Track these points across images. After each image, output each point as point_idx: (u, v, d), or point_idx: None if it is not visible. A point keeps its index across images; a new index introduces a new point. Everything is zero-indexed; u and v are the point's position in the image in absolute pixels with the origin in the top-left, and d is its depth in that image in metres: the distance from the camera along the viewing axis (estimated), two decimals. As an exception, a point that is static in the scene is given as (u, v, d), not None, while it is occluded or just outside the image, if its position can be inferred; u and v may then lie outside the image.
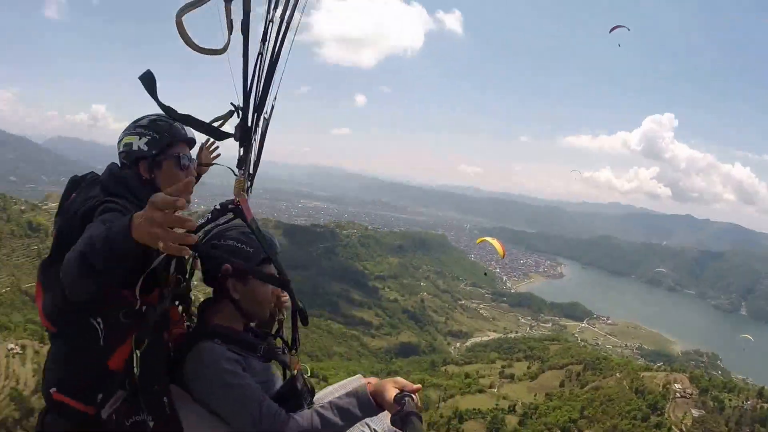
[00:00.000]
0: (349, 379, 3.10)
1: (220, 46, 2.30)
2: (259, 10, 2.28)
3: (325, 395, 2.90)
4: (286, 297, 3.25)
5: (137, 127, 3.02)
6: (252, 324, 3.10)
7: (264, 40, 2.35)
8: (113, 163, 3.06)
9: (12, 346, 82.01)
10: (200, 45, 2.26)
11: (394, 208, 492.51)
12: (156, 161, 3.01)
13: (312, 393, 2.81)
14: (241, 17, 2.26)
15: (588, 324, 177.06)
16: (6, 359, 77.41)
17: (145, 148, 2.98)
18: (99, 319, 2.60)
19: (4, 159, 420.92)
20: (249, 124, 2.52)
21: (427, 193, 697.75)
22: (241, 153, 2.62)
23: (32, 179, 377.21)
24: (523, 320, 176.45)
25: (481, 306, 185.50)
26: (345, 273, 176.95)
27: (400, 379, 2.44)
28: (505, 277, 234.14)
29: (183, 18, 2.12)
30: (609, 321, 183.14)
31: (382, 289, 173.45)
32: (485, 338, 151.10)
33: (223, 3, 2.25)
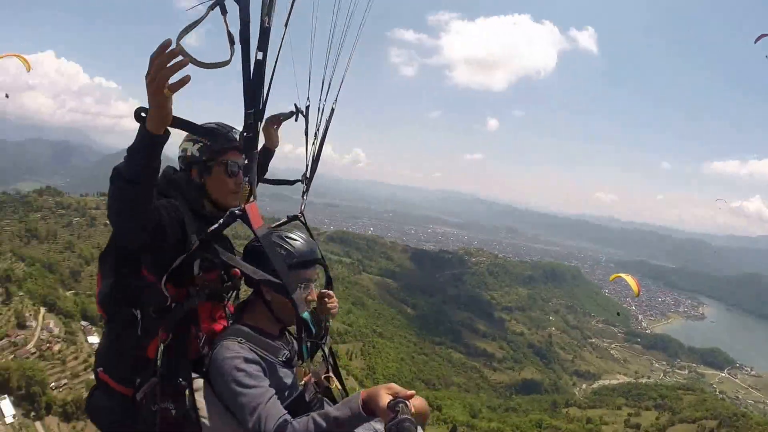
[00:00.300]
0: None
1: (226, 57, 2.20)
2: (257, 19, 2.28)
3: None
4: (332, 303, 3.55)
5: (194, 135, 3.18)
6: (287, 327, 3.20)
7: (261, 48, 2.30)
8: (168, 167, 3.23)
9: None
10: (203, 60, 2.12)
11: (525, 236, 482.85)
12: (206, 167, 3.14)
13: (322, 405, 2.85)
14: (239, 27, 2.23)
15: (729, 374, 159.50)
16: None
17: (197, 155, 3.14)
18: (138, 311, 2.82)
19: None
20: (251, 133, 2.49)
21: (561, 222, 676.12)
22: (246, 161, 2.66)
23: None
24: (656, 365, 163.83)
25: (613, 346, 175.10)
26: (471, 302, 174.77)
27: (393, 385, 2.42)
28: (640, 316, 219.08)
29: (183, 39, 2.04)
30: (753, 372, 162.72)
31: (508, 320, 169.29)
32: (614, 381, 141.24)
33: (222, 16, 2.16)
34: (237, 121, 2.70)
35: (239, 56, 2.25)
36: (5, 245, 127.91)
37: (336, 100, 3.85)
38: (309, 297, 3.06)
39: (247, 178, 2.69)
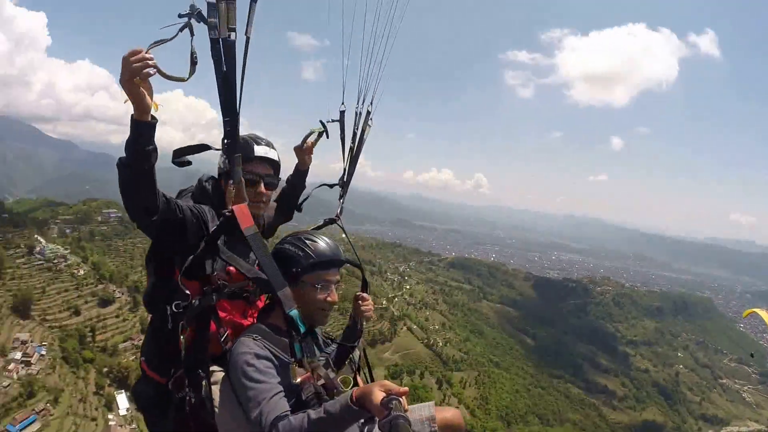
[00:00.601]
0: (420, 404, 3.20)
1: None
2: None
3: None
4: (366, 306, 3.69)
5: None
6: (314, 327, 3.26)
7: (227, 62, 2.56)
8: (204, 175, 3.54)
9: None
10: (167, 72, 2.49)
11: (654, 263, 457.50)
12: (229, 178, 3.17)
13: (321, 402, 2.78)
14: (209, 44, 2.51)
15: None
16: None
17: (223, 165, 3.32)
18: (170, 308, 2.99)
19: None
20: (230, 138, 2.80)
21: (693, 248, 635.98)
22: (228, 164, 2.92)
23: (294, 219, 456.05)
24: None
25: (746, 388, 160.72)
26: (594, 334, 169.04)
27: (386, 382, 2.44)
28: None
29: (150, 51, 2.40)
30: None
31: (632, 355, 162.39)
32: (743, 429, 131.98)
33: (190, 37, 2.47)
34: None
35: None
36: (137, 260, 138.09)
37: (372, 103, 4.19)
38: (328, 298, 3.10)
39: (230, 181, 2.97)
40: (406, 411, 2.22)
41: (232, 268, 3.09)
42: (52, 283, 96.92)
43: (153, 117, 2.50)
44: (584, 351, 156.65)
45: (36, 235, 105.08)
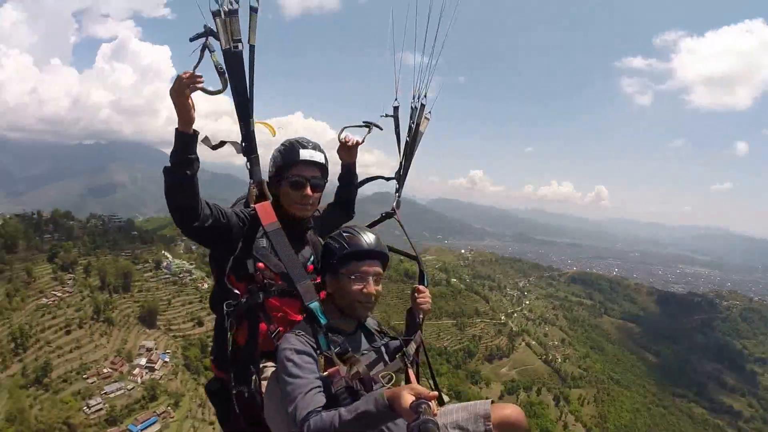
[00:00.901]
0: (475, 401, 3.16)
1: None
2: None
3: (448, 411, 3.12)
4: (422, 298, 3.62)
5: (274, 152, 3.59)
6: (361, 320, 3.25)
7: (231, 71, 2.85)
8: (252, 181, 3.53)
9: None
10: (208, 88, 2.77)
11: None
12: (278, 181, 3.48)
13: (352, 398, 2.76)
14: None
15: None
16: None
17: (272, 170, 3.54)
18: (223, 306, 3.20)
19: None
20: (247, 141, 3.11)
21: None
22: (248, 165, 3.20)
23: (415, 234, 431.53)
24: None
25: None
26: (720, 351, 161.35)
27: (416, 385, 2.42)
28: None
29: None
30: None
31: (761, 374, 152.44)
32: None
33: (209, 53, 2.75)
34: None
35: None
36: None
37: (425, 96, 4.31)
38: (365, 289, 3.06)
39: (251, 181, 3.28)
40: (434, 415, 2.20)
41: (261, 264, 3.30)
42: (178, 295, 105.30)
43: (195, 130, 2.82)
44: (709, 369, 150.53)
45: (163, 251, 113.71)
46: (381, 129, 4.20)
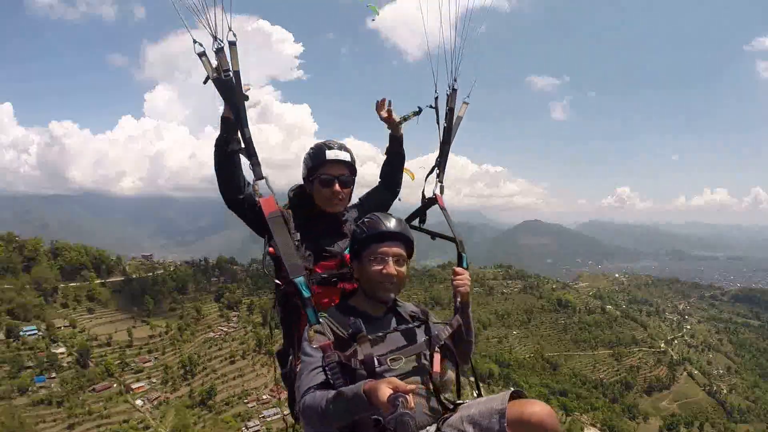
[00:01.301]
0: (493, 395, 2.92)
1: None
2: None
3: (469, 405, 2.96)
4: (458, 281, 3.52)
5: (305, 155, 3.92)
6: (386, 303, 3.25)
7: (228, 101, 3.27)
8: (291, 186, 4.05)
9: None
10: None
11: None
12: (310, 181, 3.83)
13: (343, 377, 2.77)
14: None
15: None
16: None
17: (304, 173, 3.89)
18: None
19: (540, 244, 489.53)
20: (246, 145, 3.32)
21: None
22: (251, 166, 3.36)
23: (566, 261, 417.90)
24: None
25: None
26: None
27: (393, 379, 2.38)
28: None
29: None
30: None
31: None
32: None
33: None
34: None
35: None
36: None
37: (456, 80, 4.38)
38: (384, 270, 3.11)
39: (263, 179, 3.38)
40: (411, 409, 2.17)
41: (271, 248, 3.45)
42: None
43: (234, 121, 3.29)
44: None
45: None
46: (432, 107, 4.41)
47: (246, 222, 3.68)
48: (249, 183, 3.57)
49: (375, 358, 2.86)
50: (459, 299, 3.50)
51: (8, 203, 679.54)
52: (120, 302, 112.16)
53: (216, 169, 3.47)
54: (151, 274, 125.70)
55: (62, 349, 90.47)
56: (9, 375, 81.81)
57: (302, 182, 3.99)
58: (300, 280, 3.03)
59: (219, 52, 3.11)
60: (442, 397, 3.03)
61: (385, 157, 4.47)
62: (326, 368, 2.77)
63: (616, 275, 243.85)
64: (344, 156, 3.79)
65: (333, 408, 2.52)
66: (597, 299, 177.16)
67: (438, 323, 3.38)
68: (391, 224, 3.23)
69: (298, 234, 3.53)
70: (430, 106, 4.40)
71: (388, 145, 4.42)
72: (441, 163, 4.41)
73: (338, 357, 2.81)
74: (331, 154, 3.75)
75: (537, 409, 2.65)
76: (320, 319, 3.07)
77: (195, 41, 3.05)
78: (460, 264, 3.82)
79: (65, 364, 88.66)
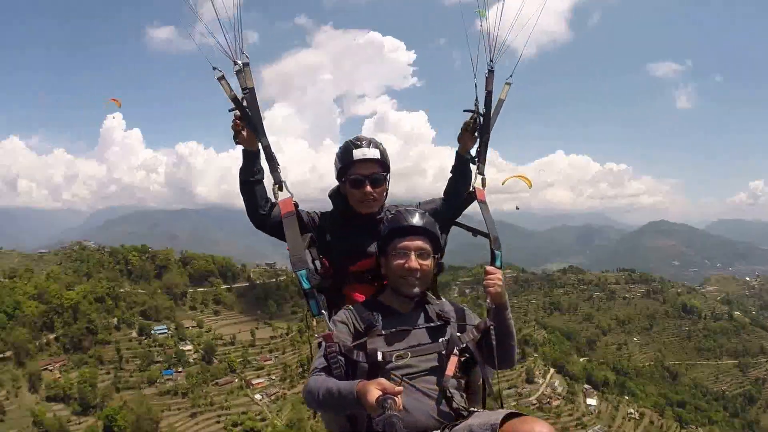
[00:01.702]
0: (495, 411, 2.83)
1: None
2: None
3: (477, 414, 2.87)
4: (488, 281, 3.28)
5: (335, 156, 3.85)
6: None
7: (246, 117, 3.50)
8: (331, 189, 3.99)
9: (631, 411, 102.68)
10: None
11: None
12: (342, 182, 3.75)
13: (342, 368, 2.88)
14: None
15: None
16: (622, 420, 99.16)
17: (336, 174, 3.80)
18: None
19: (667, 246, 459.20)
20: (266, 152, 3.54)
21: None
22: (272, 171, 3.56)
23: (694, 263, 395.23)
24: None
25: None
26: None
27: (382, 380, 2.44)
28: None
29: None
30: None
31: None
32: None
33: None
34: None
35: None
36: (530, 315, 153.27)
37: (493, 60, 4.06)
38: (405, 265, 3.10)
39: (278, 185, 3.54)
40: (399, 410, 2.23)
41: (323, 257, 3.69)
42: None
43: (255, 151, 3.55)
44: None
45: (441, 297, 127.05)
46: (479, 120, 4.14)
47: (278, 237, 3.69)
48: (273, 203, 3.69)
49: (379, 353, 2.91)
50: (489, 300, 3.31)
51: (140, 218, 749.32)
52: (244, 306, 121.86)
53: (243, 197, 3.62)
54: (274, 280, 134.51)
55: (189, 347, 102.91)
56: (140, 368, 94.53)
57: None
58: (302, 273, 3.14)
59: (239, 73, 3.38)
60: (454, 403, 2.93)
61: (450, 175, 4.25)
62: (327, 357, 2.89)
63: (747, 278, 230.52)
64: (373, 153, 3.66)
65: (328, 400, 2.66)
66: (725, 305, 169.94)
67: (471, 325, 3.30)
68: (414, 218, 3.22)
69: (329, 235, 3.76)
70: (472, 110, 4.13)
71: (455, 162, 4.20)
72: (481, 154, 4.15)
73: (339, 348, 2.92)
74: (358, 154, 3.64)
75: (534, 428, 2.43)
76: (345, 312, 3.21)
77: (214, 68, 3.36)
78: (493, 262, 3.66)
79: (191, 360, 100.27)
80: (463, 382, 3.18)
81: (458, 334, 3.16)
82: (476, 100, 4.07)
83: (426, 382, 2.93)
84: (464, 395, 3.12)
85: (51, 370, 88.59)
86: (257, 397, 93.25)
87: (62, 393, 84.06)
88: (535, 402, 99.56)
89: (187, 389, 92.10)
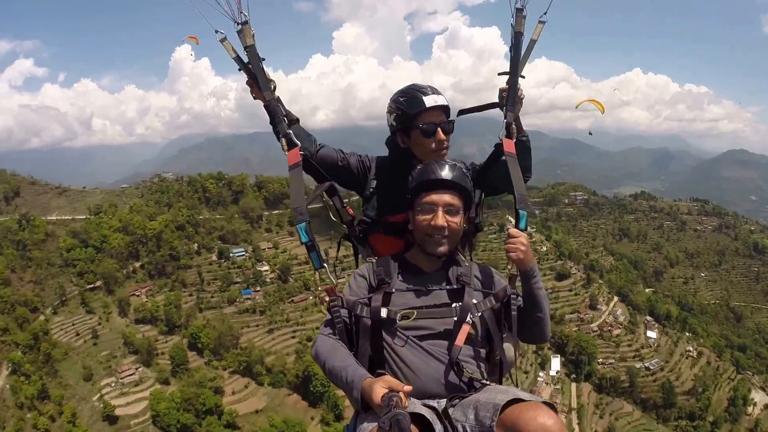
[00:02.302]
0: (511, 389, 2.54)
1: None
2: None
3: (490, 389, 2.62)
4: (510, 245, 2.98)
5: (390, 104, 3.48)
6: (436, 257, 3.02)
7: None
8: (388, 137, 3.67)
9: (690, 348, 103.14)
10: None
11: None
12: (406, 133, 3.39)
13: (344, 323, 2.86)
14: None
15: None
16: (680, 357, 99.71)
17: (395, 123, 3.44)
18: None
19: (745, 178, 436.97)
20: (269, 107, 3.38)
21: None
22: (275, 124, 3.39)
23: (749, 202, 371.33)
24: None
25: None
26: None
27: (388, 377, 2.39)
28: None
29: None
30: None
31: None
32: None
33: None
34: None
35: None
36: (599, 240, 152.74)
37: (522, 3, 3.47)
38: (432, 222, 2.91)
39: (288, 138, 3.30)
40: (405, 407, 2.17)
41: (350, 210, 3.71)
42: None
43: (272, 100, 3.37)
44: None
45: (507, 216, 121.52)
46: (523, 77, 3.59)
47: (341, 184, 3.68)
48: (321, 146, 3.62)
49: (383, 310, 2.76)
50: (512, 267, 3.03)
51: (213, 145, 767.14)
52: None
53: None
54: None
55: (266, 268, 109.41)
56: (220, 289, 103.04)
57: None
58: (301, 225, 2.96)
59: (239, 33, 3.28)
60: (465, 374, 2.73)
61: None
62: (330, 311, 2.85)
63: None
64: (442, 100, 3.37)
65: (332, 377, 2.64)
66: None
67: (490, 293, 2.99)
68: (443, 171, 2.98)
69: (375, 182, 3.65)
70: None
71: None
72: (509, 99, 3.49)
73: (342, 302, 2.85)
74: (430, 101, 3.32)
75: (537, 418, 2.23)
76: (367, 265, 3.13)
77: (216, 30, 3.28)
78: (517, 224, 3.13)
79: (268, 280, 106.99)
80: (483, 351, 2.94)
81: (474, 301, 2.88)
82: (512, 44, 3.53)
83: (438, 345, 2.76)
84: (482, 365, 2.89)
85: (138, 296, 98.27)
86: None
87: (149, 315, 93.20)
88: (596, 329, 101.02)
89: (265, 307, 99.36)
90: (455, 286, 2.95)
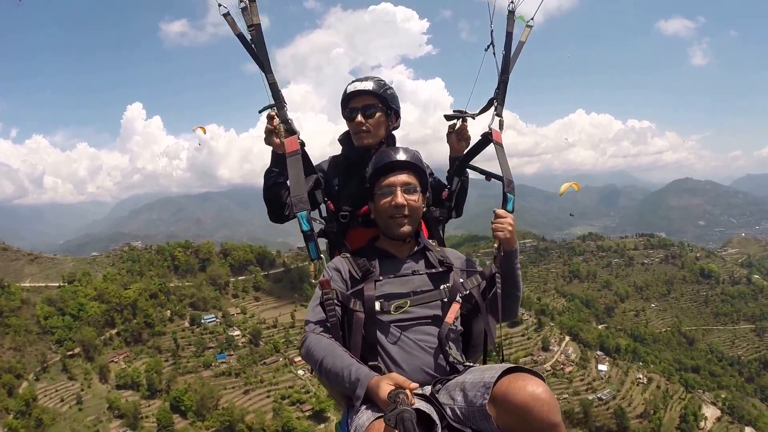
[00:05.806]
0: (495, 365, 2.55)
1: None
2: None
3: (470, 370, 2.66)
4: (497, 224, 3.11)
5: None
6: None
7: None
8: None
9: (640, 376, 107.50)
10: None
11: None
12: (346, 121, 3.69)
13: (338, 314, 2.82)
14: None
15: None
16: (631, 385, 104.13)
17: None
18: None
19: (692, 205, 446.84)
20: (272, 91, 3.23)
21: None
22: (277, 109, 3.26)
23: (720, 222, 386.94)
24: None
25: None
26: None
27: (395, 375, 2.34)
28: None
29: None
30: None
31: None
32: None
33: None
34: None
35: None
36: (550, 283, 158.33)
37: (514, 0, 3.68)
38: (393, 201, 2.97)
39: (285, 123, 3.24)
40: (412, 404, 2.14)
41: (329, 202, 3.72)
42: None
43: (280, 154, 3.23)
44: None
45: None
46: (473, 119, 3.80)
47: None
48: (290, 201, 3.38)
49: (377, 302, 2.79)
50: (497, 246, 3.12)
51: (164, 205, 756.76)
52: (281, 290, 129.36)
53: (264, 196, 3.44)
54: (306, 263, 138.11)
55: (237, 332, 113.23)
56: (195, 354, 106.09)
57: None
58: (302, 214, 2.90)
59: (244, 10, 3.16)
60: (450, 356, 2.76)
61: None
62: (324, 305, 2.78)
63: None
64: (364, 86, 3.53)
65: (331, 377, 2.56)
66: (744, 268, 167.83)
67: (475, 272, 3.12)
68: (397, 154, 3.07)
69: (337, 179, 3.73)
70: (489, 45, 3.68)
71: (449, 168, 3.87)
72: (500, 96, 3.68)
73: (336, 295, 2.81)
74: (350, 88, 3.56)
75: (526, 387, 2.22)
76: (341, 258, 3.13)
77: (220, 5, 3.14)
78: (504, 206, 3.26)
79: (240, 344, 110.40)
80: (460, 333, 3.03)
81: (461, 280, 2.99)
82: (489, 44, 3.67)
83: (423, 332, 2.81)
84: (460, 347, 2.97)
85: (116, 362, 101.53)
86: (300, 372, 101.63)
87: (130, 381, 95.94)
88: (549, 369, 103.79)
89: (239, 370, 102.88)
90: (440, 269, 3.04)
